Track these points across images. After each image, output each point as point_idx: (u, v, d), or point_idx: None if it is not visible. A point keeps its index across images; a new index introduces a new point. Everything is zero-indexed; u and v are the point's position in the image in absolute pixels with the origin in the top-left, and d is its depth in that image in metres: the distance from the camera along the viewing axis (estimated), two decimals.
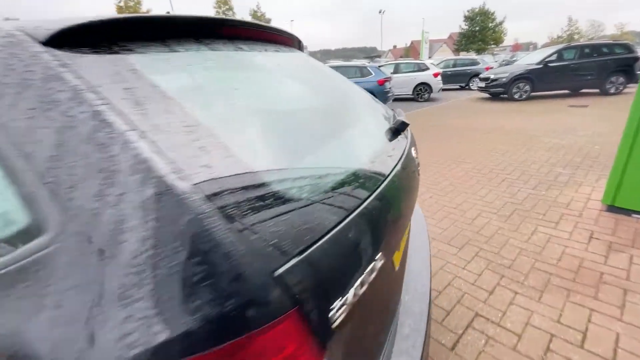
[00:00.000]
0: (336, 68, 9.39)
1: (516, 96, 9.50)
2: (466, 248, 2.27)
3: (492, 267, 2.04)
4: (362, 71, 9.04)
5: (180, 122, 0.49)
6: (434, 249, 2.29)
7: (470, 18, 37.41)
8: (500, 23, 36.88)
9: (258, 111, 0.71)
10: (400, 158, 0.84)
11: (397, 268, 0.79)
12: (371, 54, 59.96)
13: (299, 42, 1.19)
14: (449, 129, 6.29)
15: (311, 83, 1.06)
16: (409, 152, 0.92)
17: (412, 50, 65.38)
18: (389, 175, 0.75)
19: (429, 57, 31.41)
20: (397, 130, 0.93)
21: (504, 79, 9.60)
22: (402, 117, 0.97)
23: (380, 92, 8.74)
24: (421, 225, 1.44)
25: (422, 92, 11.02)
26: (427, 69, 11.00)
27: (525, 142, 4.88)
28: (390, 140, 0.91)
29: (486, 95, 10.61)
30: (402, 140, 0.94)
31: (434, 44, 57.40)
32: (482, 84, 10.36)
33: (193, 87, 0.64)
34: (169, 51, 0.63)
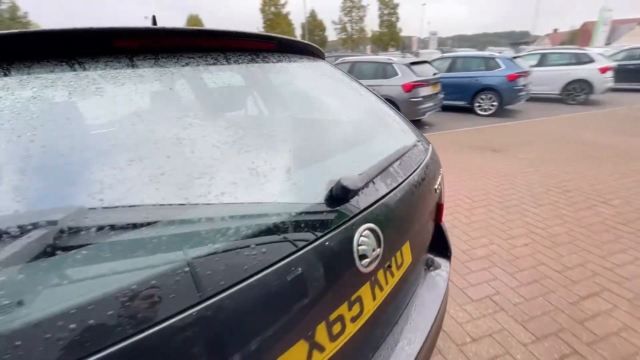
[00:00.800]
0: (454, 59, 8.12)
1: None
2: (550, 342, 1.53)
3: None
4: (488, 63, 7.49)
5: None
6: (494, 324, 1.64)
7: None
8: None
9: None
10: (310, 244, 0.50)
11: None
12: (519, 40, 49.33)
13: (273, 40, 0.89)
14: (599, 149, 4.53)
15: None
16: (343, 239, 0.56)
17: (581, 34, 50.61)
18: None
19: (607, 44, 23.49)
20: (338, 198, 0.57)
21: None
22: (353, 179, 0.58)
23: (507, 90, 7.12)
24: (432, 302, 0.98)
25: (575, 92, 8.36)
26: (591, 61, 8.20)
27: None
28: (330, 206, 0.57)
29: None
30: (343, 212, 0.57)
31: (619, 25, 42.58)
32: None
33: None
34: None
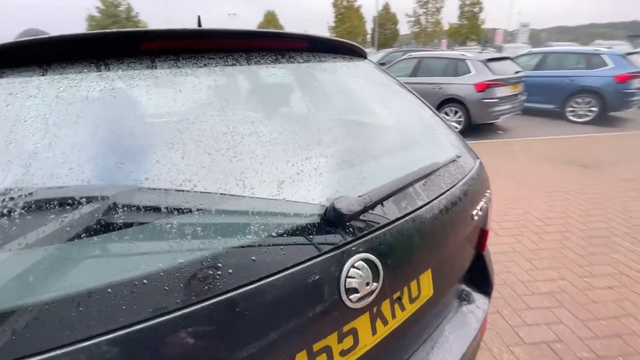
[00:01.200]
0: (545, 54, 7.01)
1: None
2: None
3: None
4: (591, 60, 6.27)
5: None
6: None
7: None
8: None
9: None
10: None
11: None
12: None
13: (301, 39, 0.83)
14: None
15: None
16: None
17: None
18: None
19: None
20: (329, 223, 0.50)
21: None
22: (349, 202, 0.50)
23: (614, 93, 5.89)
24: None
25: None
26: None
27: None
28: (320, 231, 0.51)
29: None
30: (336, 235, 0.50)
31: None
32: None
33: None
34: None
